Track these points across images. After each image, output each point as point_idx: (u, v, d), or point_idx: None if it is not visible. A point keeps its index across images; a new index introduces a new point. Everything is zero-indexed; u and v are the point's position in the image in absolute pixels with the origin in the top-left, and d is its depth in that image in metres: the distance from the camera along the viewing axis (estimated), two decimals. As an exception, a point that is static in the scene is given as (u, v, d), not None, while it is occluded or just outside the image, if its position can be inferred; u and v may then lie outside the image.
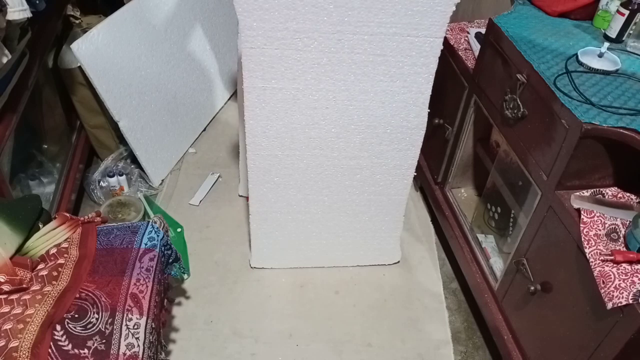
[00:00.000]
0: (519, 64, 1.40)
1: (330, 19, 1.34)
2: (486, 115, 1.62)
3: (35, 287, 1.21)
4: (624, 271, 1.08)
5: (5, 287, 1.17)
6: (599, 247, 1.15)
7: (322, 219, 1.79)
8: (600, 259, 1.12)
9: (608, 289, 1.07)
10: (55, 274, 1.24)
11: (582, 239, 1.17)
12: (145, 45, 2.10)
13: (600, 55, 1.35)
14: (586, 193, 1.26)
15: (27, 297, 1.17)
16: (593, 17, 1.56)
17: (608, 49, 1.36)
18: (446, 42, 1.80)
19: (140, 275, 1.29)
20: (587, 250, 1.15)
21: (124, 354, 1.15)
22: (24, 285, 1.20)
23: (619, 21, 1.43)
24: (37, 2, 1.53)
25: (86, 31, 1.90)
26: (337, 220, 1.80)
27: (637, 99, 1.25)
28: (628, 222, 1.19)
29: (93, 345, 1.13)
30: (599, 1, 1.54)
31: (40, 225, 1.36)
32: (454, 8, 1.35)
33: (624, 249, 1.16)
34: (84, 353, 1.11)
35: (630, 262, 1.09)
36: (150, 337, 1.23)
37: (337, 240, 1.86)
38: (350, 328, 1.75)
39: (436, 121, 1.93)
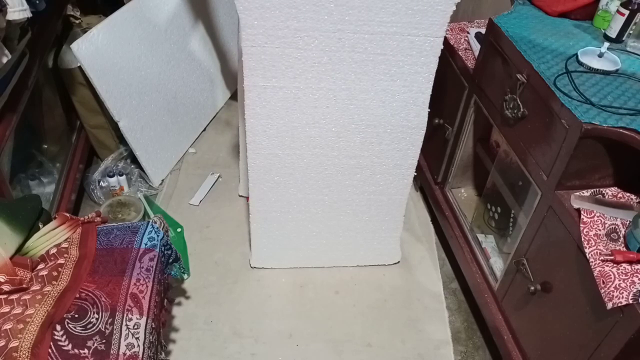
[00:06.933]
0: (519, 64, 1.40)
1: (330, 18, 1.34)
2: (486, 115, 1.62)
3: (35, 287, 1.20)
4: (624, 271, 1.08)
5: (5, 287, 1.17)
6: (599, 247, 1.15)
7: (322, 218, 1.79)
8: (600, 259, 1.12)
9: (608, 289, 1.07)
10: (55, 274, 1.24)
11: (582, 239, 1.17)
12: (145, 45, 2.10)
13: (600, 55, 1.35)
14: (586, 193, 1.26)
15: (27, 297, 1.17)
16: (593, 17, 1.56)
17: (608, 49, 1.36)
18: (446, 42, 1.80)
19: (140, 275, 1.29)
20: (587, 250, 1.15)
21: (124, 354, 1.15)
22: (24, 285, 1.20)
23: (619, 21, 1.43)
24: (37, 2, 1.53)
25: (86, 31, 1.90)
26: (337, 220, 1.80)
27: (637, 99, 1.25)
28: (628, 222, 1.19)
29: (93, 345, 1.13)
30: (599, 1, 1.54)
31: (40, 225, 1.36)
32: (454, 8, 1.35)
33: (624, 249, 1.16)
34: (84, 353, 1.11)
35: (630, 262, 1.09)
36: (150, 337, 1.23)
37: (337, 240, 1.86)
38: (350, 328, 1.75)
39: (436, 121, 1.93)
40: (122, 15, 1.99)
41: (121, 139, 2.19)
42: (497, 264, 1.68)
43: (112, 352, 1.14)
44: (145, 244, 1.36)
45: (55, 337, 1.10)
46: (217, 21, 2.51)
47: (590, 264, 1.13)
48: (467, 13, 2.25)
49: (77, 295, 1.20)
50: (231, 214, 2.12)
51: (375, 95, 1.50)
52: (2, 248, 1.20)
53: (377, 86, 1.48)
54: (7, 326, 1.09)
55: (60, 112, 2.06)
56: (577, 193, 1.26)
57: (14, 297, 1.17)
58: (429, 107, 1.55)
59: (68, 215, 1.40)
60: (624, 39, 1.46)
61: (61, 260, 1.27)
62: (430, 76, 1.48)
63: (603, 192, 1.26)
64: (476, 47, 1.73)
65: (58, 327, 1.12)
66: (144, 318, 1.22)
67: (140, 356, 1.16)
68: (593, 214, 1.19)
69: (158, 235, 1.39)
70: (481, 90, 1.64)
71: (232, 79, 2.69)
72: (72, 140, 2.13)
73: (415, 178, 1.77)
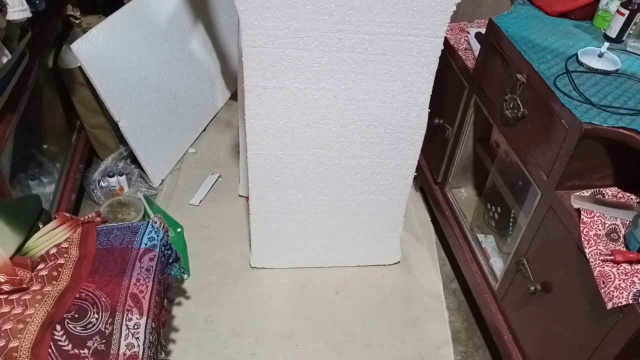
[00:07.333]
0: (519, 64, 1.40)
1: (331, 18, 1.34)
2: (486, 115, 1.62)
3: (35, 287, 1.20)
4: (624, 271, 1.08)
5: (5, 287, 1.17)
6: (599, 247, 1.15)
7: (322, 218, 1.79)
8: (600, 259, 1.12)
9: (608, 289, 1.07)
10: (55, 274, 1.24)
11: (582, 239, 1.17)
12: (145, 45, 2.10)
13: (600, 55, 1.36)
14: (586, 193, 1.26)
15: (27, 297, 1.17)
16: (593, 17, 1.56)
17: (608, 49, 1.36)
18: (446, 42, 1.80)
19: (140, 275, 1.29)
20: (587, 250, 1.15)
21: (124, 354, 1.15)
22: (24, 285, 1.20)
23: (619, 21, 1.44)
24: (37, 2, 1.53)
25: (86, 31, 1.90)
26: (337, 220, 1.80)
27: (637, 99, 1.25)
28: (628, 222, 1.19)
29: (93, 345, 1.13)
30: (599, 1, 1.54)
31: (40, 225, 1.36)
32: (454, 8, 1.35)
33: (624, 249, 1.16)
34: (84, 353, 1.11)
35: (630, 262, 1.09)
36: (150, 337, 1.23)
37: (337, 240, 1.86)
38: (350, 328, 1.75)
39: (436, 121, 1.93)
40: (122, 15, 1.99)
41: (121, 139, 2.19)
42: (497, 264, 1.68)
43: (112, 352, 1.14)
44: (145, 244, 1.36)
45: (55, 337, 1.10)
46: (217, 21, 2.51)
47: (590, 264, 1.13)
48: (467, 13, 2.25)
49: (77, 295, 1.20)
50: (231, 214, 2.12)
51: (376, 96, 1.50)
52: (2, 248, 1.21)
53: (377, 86, 1.48)
54: (7, 326, 1.09)
55: (60, 112, 2.06)
56: (577, 193, 1.26)
57: (14, 297, 1.17)
58: (429, 107, 1.55)
59: (68, 215, 1.40)
60: (624, 39, 1.46)
61: (61, 260, 1.28)
62: (431, 76, 1.48)
63: (603, 192, 1.26)
64: (476, 47, 1.73)
65: (58, 327, 1.12)
66: (144, 318, 1.22)
67: (140, 356, 1.16)
68: (593, 214, 1.19)
69: (158, 235, 1.39)
70: (481, 90, 1.64)
71: (232, 79, 2.69)
72: (72, 140, 2.13)
73: (415, 178, 1.77)
